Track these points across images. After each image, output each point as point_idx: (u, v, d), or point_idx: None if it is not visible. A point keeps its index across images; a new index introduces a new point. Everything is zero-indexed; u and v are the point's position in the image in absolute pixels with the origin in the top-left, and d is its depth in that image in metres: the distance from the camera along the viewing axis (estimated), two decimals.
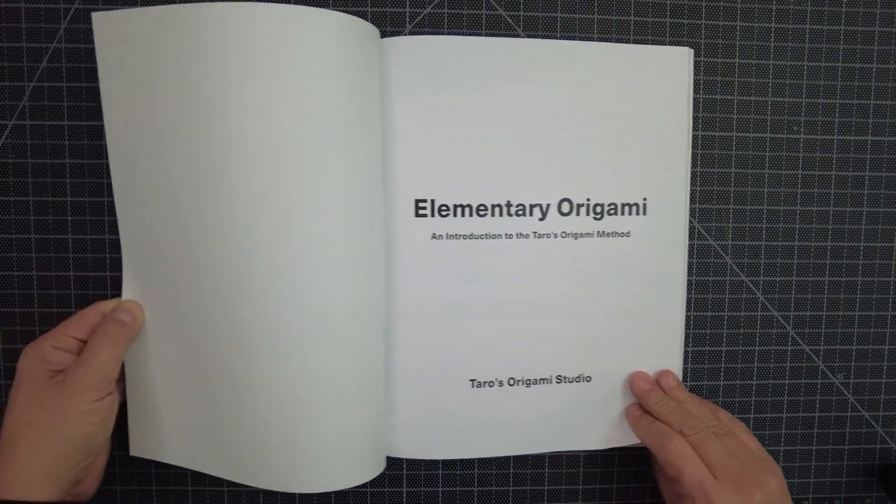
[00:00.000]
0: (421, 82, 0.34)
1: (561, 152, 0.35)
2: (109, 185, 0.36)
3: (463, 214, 0.35)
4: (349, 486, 0.34)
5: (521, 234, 0.35)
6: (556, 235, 0.36)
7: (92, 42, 0.35)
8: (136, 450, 0.35)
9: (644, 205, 0.36)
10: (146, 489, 0.37)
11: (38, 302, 0.36)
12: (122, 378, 0.35)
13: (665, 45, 0.37)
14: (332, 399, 0.33)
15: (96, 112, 0.36)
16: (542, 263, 0.36)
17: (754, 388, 0.39)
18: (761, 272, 0.39)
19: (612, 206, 0.36)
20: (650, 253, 0.36)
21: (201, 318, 0.32)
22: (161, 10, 0.30)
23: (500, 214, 0.35)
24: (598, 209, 0.36)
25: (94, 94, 0.36)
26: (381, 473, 0.36)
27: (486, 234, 0.35)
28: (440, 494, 0.38)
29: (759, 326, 0.39)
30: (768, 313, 0.39)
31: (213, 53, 0.30)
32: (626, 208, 0.36)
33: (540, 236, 0.36)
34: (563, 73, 0.35)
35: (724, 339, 0.39)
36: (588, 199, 0.36)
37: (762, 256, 0.39)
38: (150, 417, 0.35)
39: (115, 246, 0.36)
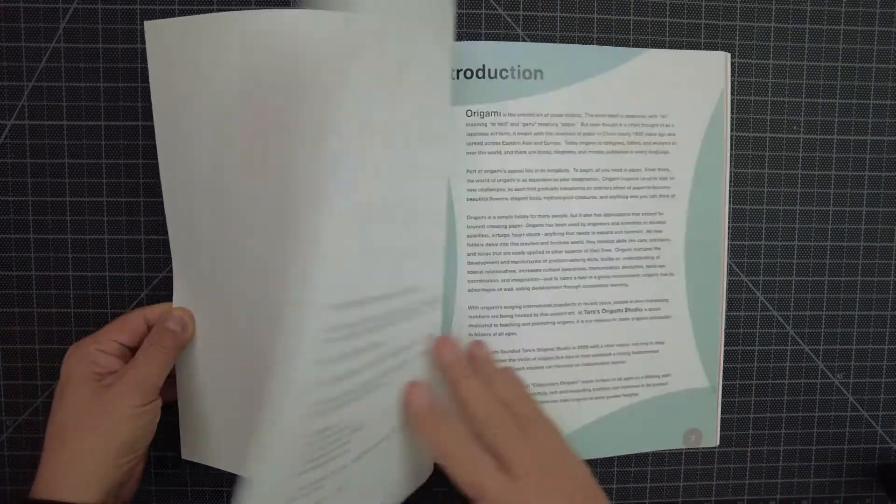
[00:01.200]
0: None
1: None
2: (108, 185, 0.36)
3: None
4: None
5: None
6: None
7: (91, 42, 0.35)
8: (187, 453, 0.35)
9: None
10: (145, 489, 0.37)
11: (37, 302, 0.36)
12: (165, 385, 0.35)
13: (665, 45, 0.37)
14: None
15: (95, 112, 0.36)
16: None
17: (754, 387, 0.39)
18: (761, 272, 0.39)
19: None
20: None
21: (253, 324, 0.32)
22: (212, 17, 0.30)
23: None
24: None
25: (94, 94, 0.36)
26: None
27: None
28: (439, 495, 0.38)
29: (758, 326, 0.39)
30: (768, 313, 0.39)
31: (267, 61, 0.29)
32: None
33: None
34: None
35: (724, 340, 0.38)
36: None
37: (762, 256, 0.39)
38: (200, 422, 0.35)
39: (114, 246, 0.36)
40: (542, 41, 0.36)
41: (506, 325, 0.35)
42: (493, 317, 0.35)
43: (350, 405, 0.30)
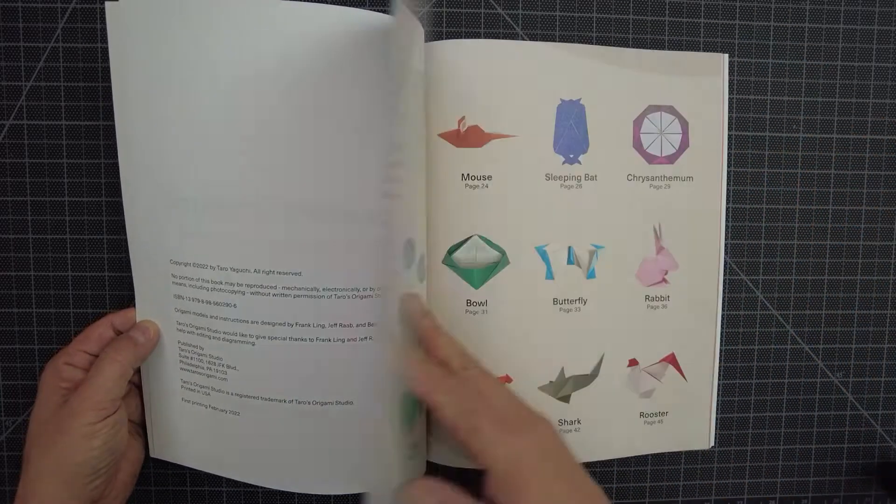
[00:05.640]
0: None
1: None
2: (107, 184, 0.36)
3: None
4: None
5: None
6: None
7: (89, 42, 0.35)
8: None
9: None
10: (145, 489, 0.37)
11: (36, 302, 0.36)
12: (137, 394, 0.35)
13: (664, 44, 0.37)
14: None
15: (94, 112, 0.36)
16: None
17: (754, 386, 0.39)
18: (760, 271, 0.39)
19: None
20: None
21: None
22: None
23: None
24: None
25: (92, 94, 0.35)
26: None
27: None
28: None
29: (758, 326, 0.39)
30: (768, 312, 0.39)
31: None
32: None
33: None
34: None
35: (724, 339, 0.38)
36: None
37: (761, 256, 0.39)
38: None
39: (113, 246, 0.36)
40: (541, 40, 0.36)
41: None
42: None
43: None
